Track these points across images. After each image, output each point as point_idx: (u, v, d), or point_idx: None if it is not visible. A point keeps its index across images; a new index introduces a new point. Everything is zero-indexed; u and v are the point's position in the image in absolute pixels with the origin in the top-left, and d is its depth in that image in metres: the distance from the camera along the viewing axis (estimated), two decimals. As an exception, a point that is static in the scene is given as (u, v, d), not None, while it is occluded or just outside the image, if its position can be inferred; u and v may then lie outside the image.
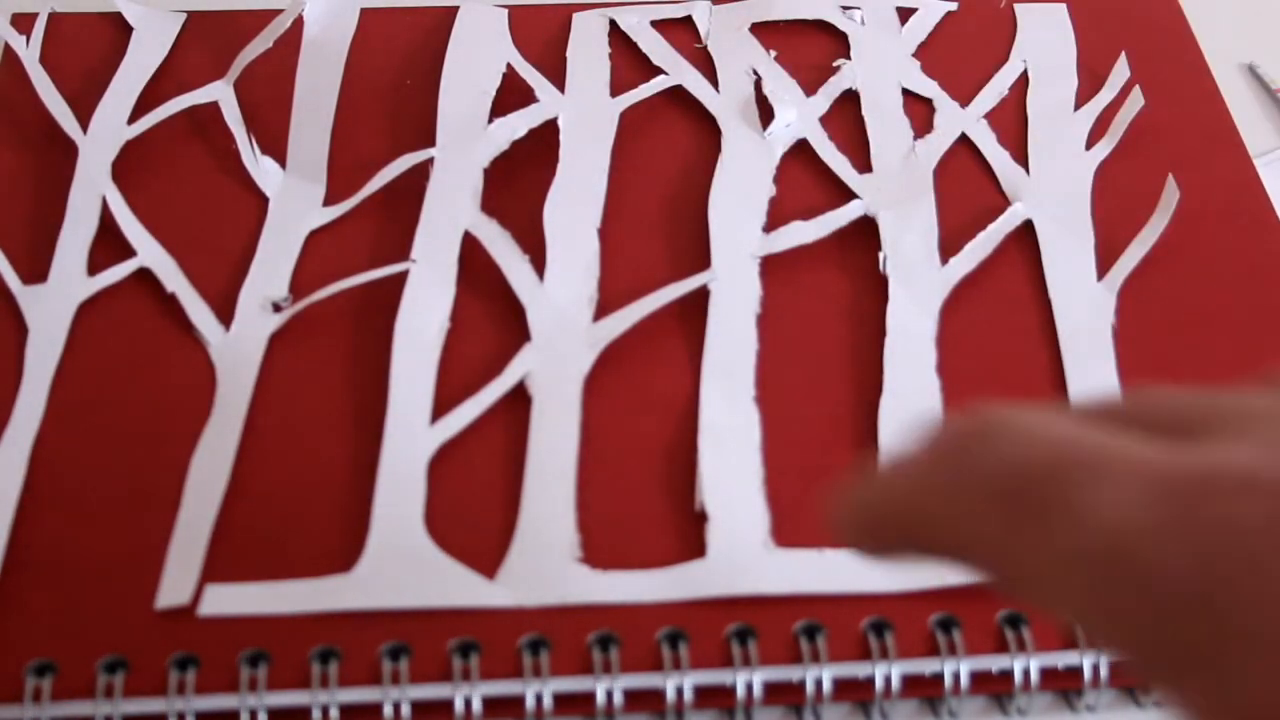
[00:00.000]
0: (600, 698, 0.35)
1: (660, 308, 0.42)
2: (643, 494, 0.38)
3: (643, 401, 0.40)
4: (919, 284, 0.43)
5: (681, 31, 0.51)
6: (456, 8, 0.51)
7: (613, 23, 0.51)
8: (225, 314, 0.42)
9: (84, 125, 0.46)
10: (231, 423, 0.39)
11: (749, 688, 0.35)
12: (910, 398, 0.40)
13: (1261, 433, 0.19)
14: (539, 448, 0.39)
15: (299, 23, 0.48)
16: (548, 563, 0.37)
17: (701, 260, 0.43)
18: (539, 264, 0.43)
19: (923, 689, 0.36)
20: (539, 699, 0.35)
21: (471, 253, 0.43)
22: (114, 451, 0.39)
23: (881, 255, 0.43)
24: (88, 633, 0.35)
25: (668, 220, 0.45)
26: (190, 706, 0.34)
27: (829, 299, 0.43)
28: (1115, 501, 0.18)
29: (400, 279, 0.42)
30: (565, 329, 0.41)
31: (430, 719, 0.35)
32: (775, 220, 0.44)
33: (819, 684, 0.35)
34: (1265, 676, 0.16)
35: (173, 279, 0.42)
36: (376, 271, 0.42)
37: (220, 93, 0.47)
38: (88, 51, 0.50)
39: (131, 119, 0.47)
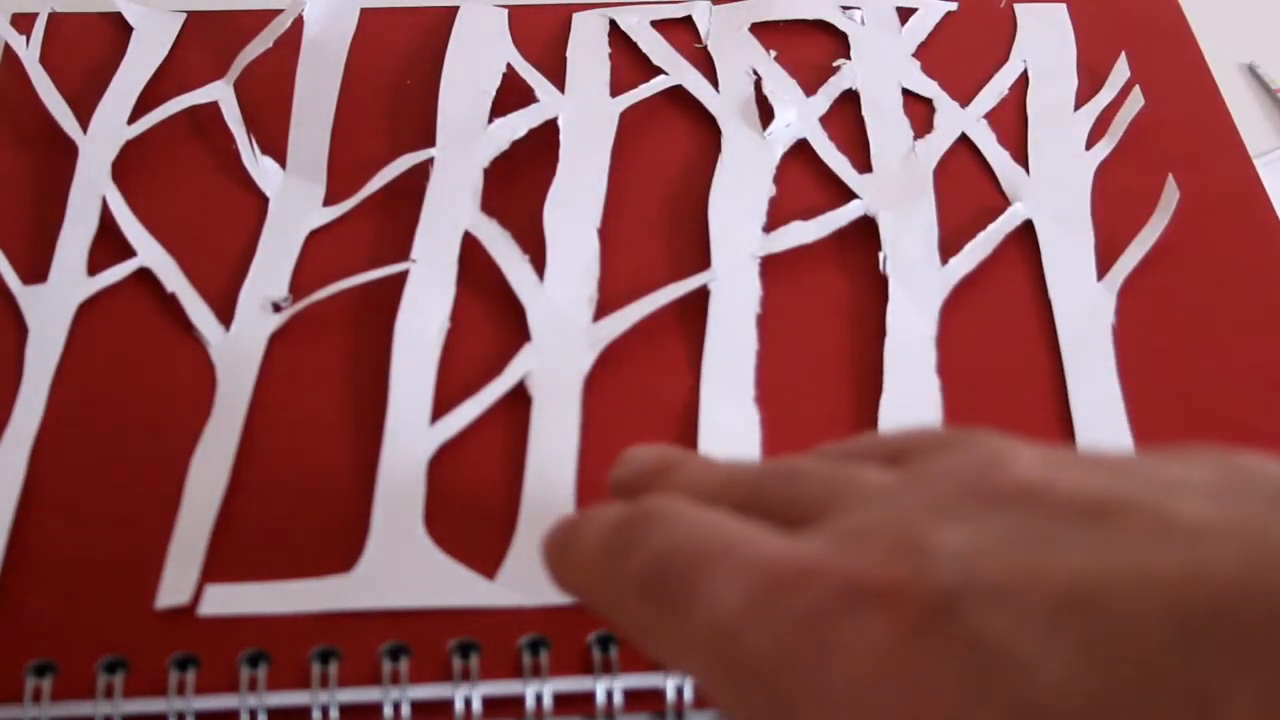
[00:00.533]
0: (600, 697, 0.35)
1: (660, 308, 0.42)
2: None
3: (643, 401, 0.40)
4: (919, 284, 0.43)
5: (681, 31, 0.51)
6: (456, 7, 0.51)
7: (613, 23, 0.51)
8: (225, 314, 0.42)
9: (84, 125, 0.47)
10: (231, 422, 0.39)
11: None
12: (910, 398, 0.40)
13: (843, 520, 0.23)
14: (539, 447, 0.39)
15: (299, 22, 0.48)
16: None
17: (701, 260, 0.43)
18: (539, 264, 0.43)
19: None
20: (539, 699, 0.35)
21: (471, 253, 0.43)
22: (114, 451, 0.39)
23: (881, 255, 0.43)
24: (88, 633, 0.35)
25: (668, 220, 0.45)
26: (190, 706, 0.34)
27: (829, 299, 0.43)
28: (725, 591, 0.22)
29: (400, 279, 0.42)
30: (565, 329, 0.41)
31: (430, 719, 0.35)
32: (775, 220, 0.44)
33: None
34: None
35: (173, 279, 0.42)
36: (376, 271, 0.42)
37: (220, 93, 0.47)
38: (88, 51, 0.50)
39: (131, 119, 0.47)
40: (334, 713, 0.34)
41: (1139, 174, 0.46)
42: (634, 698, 0.35)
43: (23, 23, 0.50)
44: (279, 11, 0.48)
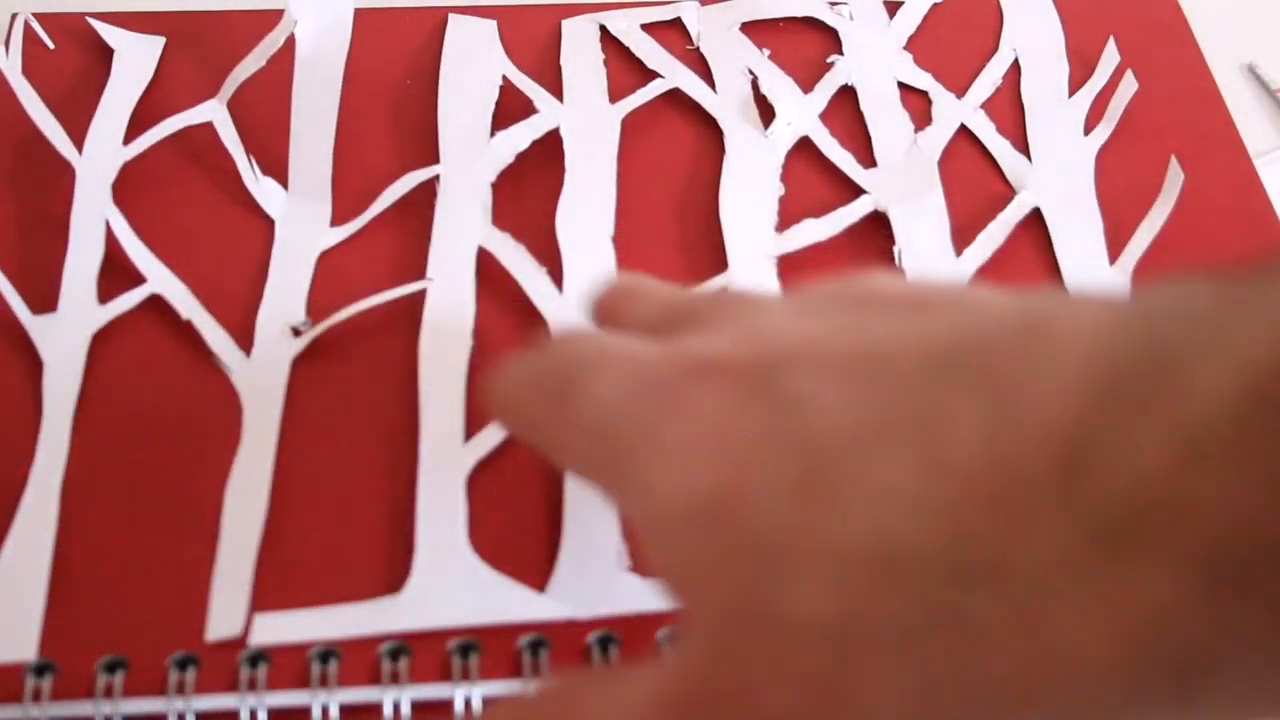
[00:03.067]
0: None
1: (682, 312, 0.42)
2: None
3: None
4: (935, 276, 0.43)
5: (672, 33, 0.51)
6: (445, 18, 0.51)
7: (602, 28, 0.51)
8: (243, 340, 0.41)
9: (76, 145, 0.46)
10: (263, 449, 0.39)
11: None
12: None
13: (721, 325, 0.27)
14: None
15: (289, 37, 0.48)
16: (596, 573, 0.37)
17: (716, 262, 0.44)
18: (556, 275, 0.43)
19: None
20: None
21: (487, 268, 0.43)
22: (144, 483, 0.38)
23: (896, 249, 0.44)
24: (88, 633, 0.35)
25: (679, 223, 0.45)
26: (190, 706, 0.34)
27: (846, 295, 0.43)
28: (605, 380, 0.27)
29: (417, 298, 0.42)
30: (590, 338, 0.41)
31: (430, 719, 0.35)
32: (787, 219, 0.45)
33: None
34: (661, 476, 0.24)
35: (187, 305, 0.42)
36: (394, 291, 0.42)
37: (215, 112, 0.46)
38: (61, 66, 0.49)
39: (126, 139, 0.46)
40: (334, 713, 0.34)
41: (1138, 157, 0.47)
42: None
43: None
44: (256, 13, 0.47)
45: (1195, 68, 0.50)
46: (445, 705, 0.35)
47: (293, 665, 0.35)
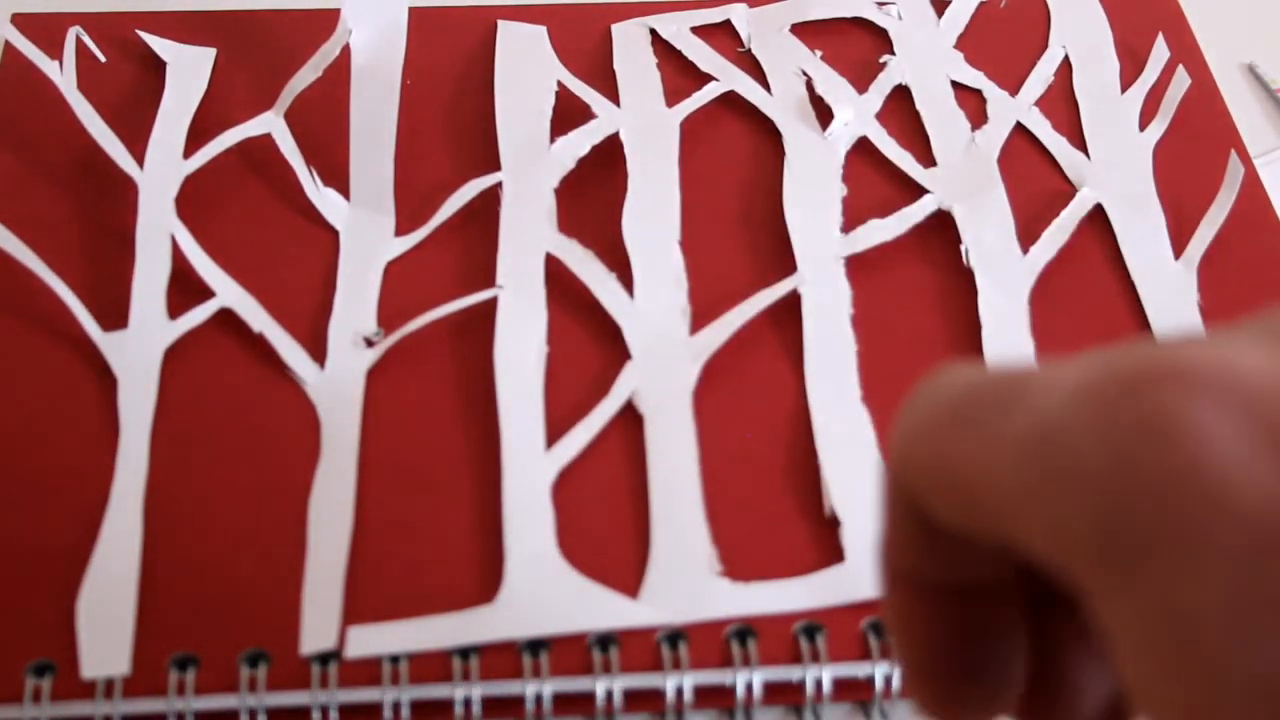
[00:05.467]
0: (600, 697, 0.35)
1: (754, 315, 0.42)
2: (770, 503, 0.39)
3: (752, 409, 0.41)
4: (1004, 274, 0.43)
5: (722, 36, 0.51)
6: (495, 24, 0.51)
7: (652, 31, 0.51)
8: (315, 351, 0.41)
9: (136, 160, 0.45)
10: (344, 462, 0.39)
11: (749, 687, 0.35)
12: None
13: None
14: (659, 464, 0.39)
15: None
16: (689, 578, 0.37)
17: (783, 263, 0.44)
18: (625, 280, 0.43)
19: None
20: (539, 699, 0.35)
21: (556, 275, 0.43)
22: (225, 497, 0.38)
23: (963, 248, 0.44)
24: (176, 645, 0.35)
25: (744, 226, 0.45)
26: (190, 706, 0.34)
27: (917, 294, 0.43)
28: (1053, 387, 0.18)
29: (488, 307, 0.42)
30: (664, 343, 0.41)
31: (430, 719, 0.35)
32: (851, 219, 0.45)
33: (819, 684, 0.35)
34: (1188, 588, 0.15)
35: (257, 318, 0.42)
36: (465, 300, 0.42)
37: (272, 124, 0.46)
38: (113, 78, 0.49)
39: (185, 153, 0.46)
40: (334, 713, 0.35)
41: (1191, 152, 0.47)
42: (634, 698, 0.35)
43: (26, 26, 0.49)
44: (300, 13, 0.47)
45: (1195, 68, 0.50)
46: (445, 705, 0.35)
47: (292, 665, 0.35)
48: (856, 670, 0.36)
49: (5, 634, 0.35)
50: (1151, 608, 0.15)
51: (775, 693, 0.36)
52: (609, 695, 0.35)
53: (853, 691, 0.36)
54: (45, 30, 0.49)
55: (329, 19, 0.45)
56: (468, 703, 0.35)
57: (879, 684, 0.35)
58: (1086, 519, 0.16)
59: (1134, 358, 0.17)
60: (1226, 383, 0.16)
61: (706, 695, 0.36)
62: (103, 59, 0.49)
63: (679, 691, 0.35)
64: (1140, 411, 0.16)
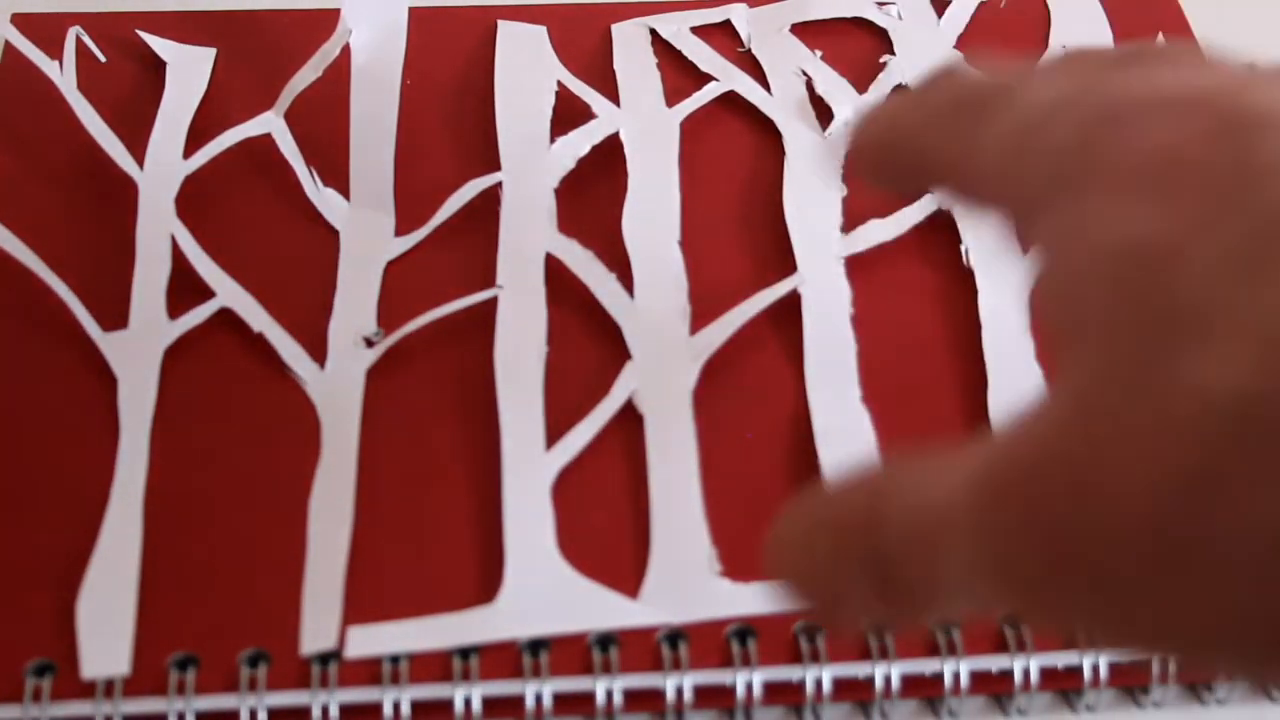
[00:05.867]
0: (600, 698, 0.35)
1: (754, 315, 0.42)
2: (770, 503, 0.38)
3: (752, 409, 0.41)
4: (1004, 275, 0.43)
5: (722, 36, 0.51)
6: (495, 24, 0.51)
7: (652, 31, 0.51)
8: (316, 351, 0.41)
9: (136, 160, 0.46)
10: (344, 461, 0.39)
11: (749, 688, 0.35)
12: (1015, 389, 0.40)
13: (1153, 67, 0.23)
14: (659, 463, 0.39)
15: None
16: (689, 578, 0.37)
17: (784, 264, 0.44)
18: (625, 280, 0.43)
19: (923, 689, 0.36)
20: (539, 699, 0.35)
21: (556, 274, 0.43)
22: (226, 497, 0.38)
23: (963, 248, 0.44)
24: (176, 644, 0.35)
25: (745, 226, 0.45)
26: (190, 706, 0.34)
27: (917, 295, 0.43)
28: (1039, 95, 0.23)
29: (488, 306, 0.42)
30: (664, 343, 0.41)
31: (430, 719, 0.35)
32: (851, 219, 0.45)
33: (819, 684, 0.35)
34: (1096, 208, 0.21)
35: (257, 318, 0.42)
36: (466, 299, 0.42)
37: (272, 124, 0.46)
38: (113, 78, 0.49)
39: (185, 153, 0.46)
40: (334, 713, 0.35)
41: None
42: (634, 698, 0.36)
43: (26, 25, 0.49)
44: (300, 13, 0.47)
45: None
46: (445, 705, 0.35)
47: (292, 665, 0.35)
48: (856, 670, 0.36)
49: (5, 634, 0.35)
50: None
51: (775, 693, 0.36)
52: (609, 695, 0.35)
53: (853, 691, 0.36)
54: (45, 30, 0.49)
55: (329, 19, 0.45)
56: (468, 703, 0.35)
57: (879, 684, 0.35)
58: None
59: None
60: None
61: (706, 695, 0.36)
62: (103, 59, 0.49)
63: (679, 691, 0.35)
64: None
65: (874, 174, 0.28)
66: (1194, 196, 0.20)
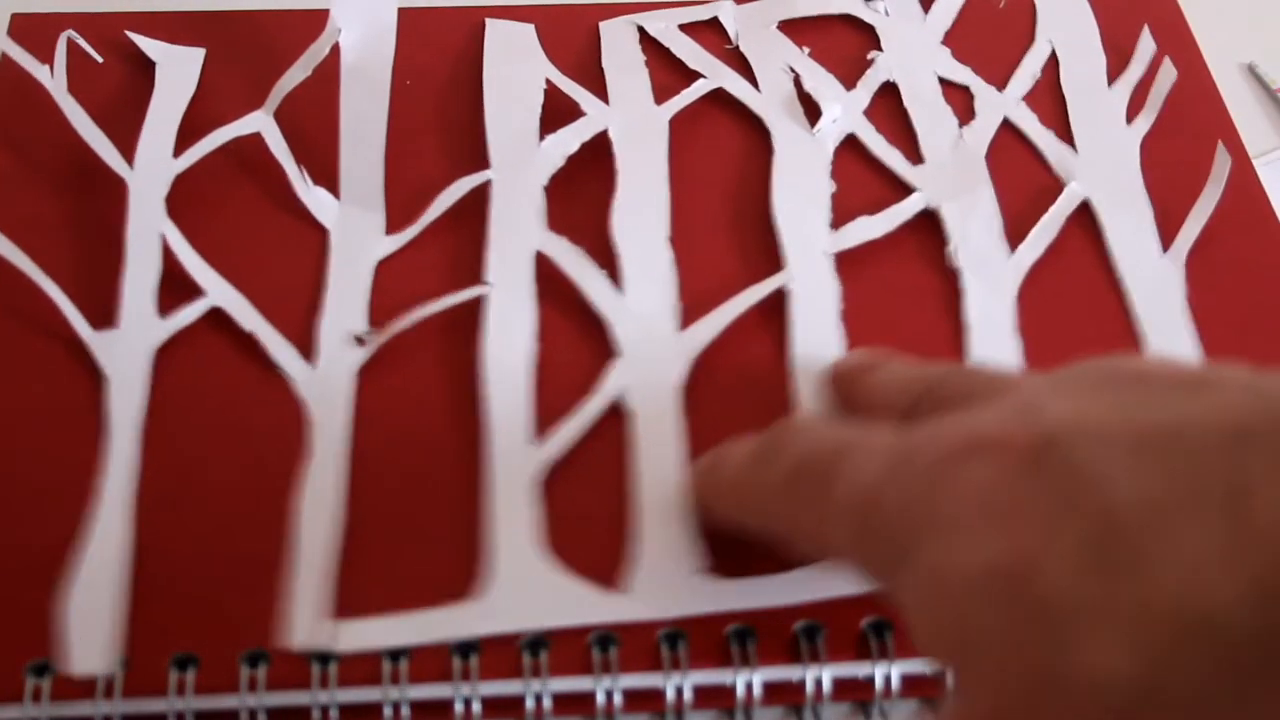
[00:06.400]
0: (600, 698, 0.35)
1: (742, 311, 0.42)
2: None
3: (741, 405, 0.41)
4: (991, 274, 0.43)
5: (709, 33, 0.51)
6: (483, 22, 0.51)
7: (640, 29, 0.51)
8: (305, 350, 0.41)
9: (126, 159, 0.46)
10: (333, 459, 0.39)
11: (749, 688, 0.36)
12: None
13: (985, 401, 0.27)
14: (646, 460, 0.39)
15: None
16: (674, 574, 0.37)
17: (772, 260, 0.44)
18: (614, 277, 0.43)
19: (923, 689, 0.36)
20: (539, 699, 0.35)
21: (545, 272, 0.43)
22: (214, 496, 0.38)
23: (951, 248, 0.44)
24: (163, 641, 0.35)
25: (733, 223, 0.45)
26: (190, 706, 0.34)
27: (904, 293, 0.43)
28: (863, 466, 0.28)
29: (478, 304, 0.42)
30: (653, 340, 0.41)
31: (430, 719, 0.35)
32: (840, 216, 0.45)
33: (819, 684, 0.36)
34: (941, 552, 0.25)
35: (248, 317, 0.42)
36: (454, 297, 0.42)
37: (262, 123, 0.46)
38: (103, 79, 0.49)
39: (175, 152, 0.46)
40: (334, 713, 0.35)
41: (1180, 145, 0.47)
42: (634, 698, 0.36)
43: (23, 26, 0.49)
44: (288, 13, 0.47)
45: (1195, 68, 0.50)
46: (445, 705, 0.35)
47: (292, 665, 0.35)
48: (856, 670, 0.36)
49: (5, 634, 0.35)
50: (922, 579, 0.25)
51: (775, 693, 0.36)
52: (609, 695, 0.35)
53: (853, 691, 0.36)
54: (42, 30, 0.49)
55: (318, 19, 0.45)
56: (468, 703, 0.35)
57: (879, 684, 0.36)
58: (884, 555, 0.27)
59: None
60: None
61: (706, 695, 0.36)
62: (99, 59, 0.49)
63: (679, 691, 0.35)
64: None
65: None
66: (1029, 518, 0.24)
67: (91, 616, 0.35)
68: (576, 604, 0.36)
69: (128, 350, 0.41)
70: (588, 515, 0.38)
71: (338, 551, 0.37)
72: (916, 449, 0.27)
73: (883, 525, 0.26)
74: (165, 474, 0.39)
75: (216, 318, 0.42)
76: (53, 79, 0.47)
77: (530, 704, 0.35)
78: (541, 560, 0.37)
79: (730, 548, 0.37)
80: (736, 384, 0.41)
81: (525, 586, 0.36)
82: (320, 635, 0.36)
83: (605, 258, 0.43)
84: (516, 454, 0.39)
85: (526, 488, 0.38)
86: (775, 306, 0.43)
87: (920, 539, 0.25)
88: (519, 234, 0.44)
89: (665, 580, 0.37)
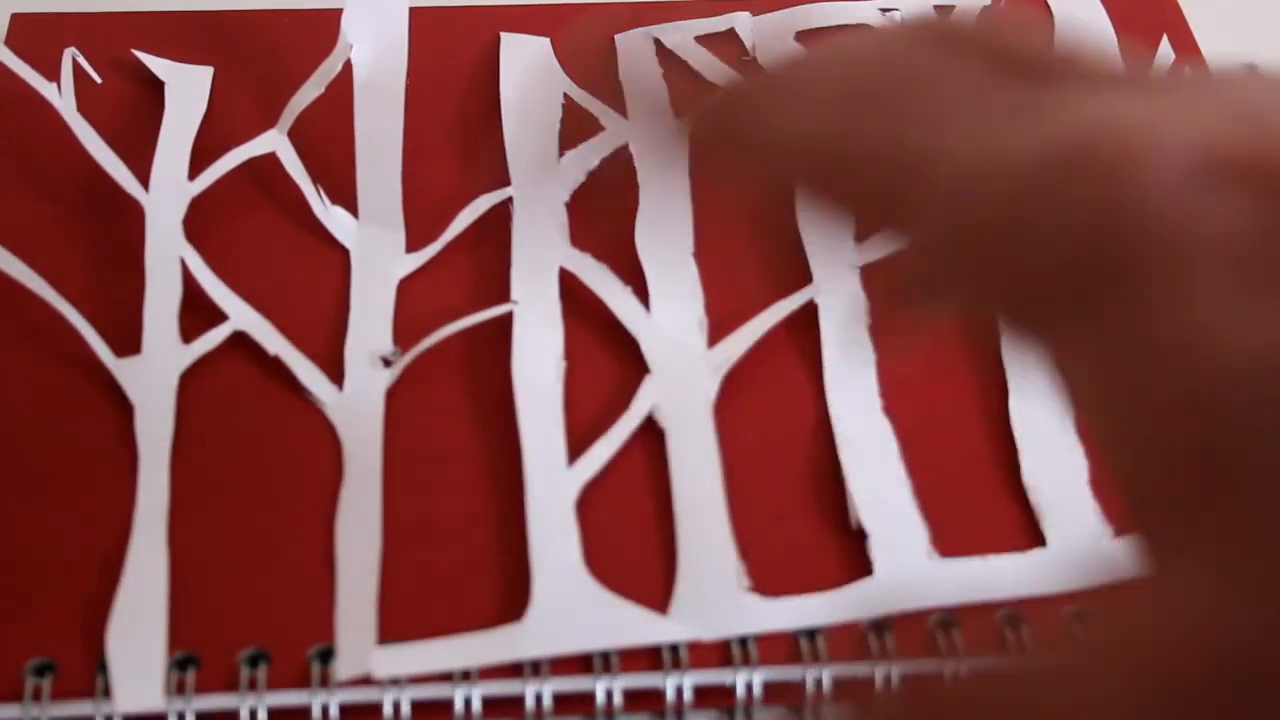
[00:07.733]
0: (600, 698, 0.35)
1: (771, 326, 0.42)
2: (795, 515, 0.39)
3: (773, 421, 0.40)
4: None
5: (726, 45, 0.51)
6: (498, 35, 0.51)
7: (657, 41, 0.51)
8: (332, 372, 0.41)
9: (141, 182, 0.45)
10: (369, 483, 0.39)
11: (749, 688, 0.35)
12: (1037, 393, 0.40)
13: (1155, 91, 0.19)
14: (683, 478, 0.39)
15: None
16: (717, 594, 0.37)
17: (799, 274, 0.43)
18: (641, 294, 0.43)
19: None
20: (539, 699, 0.35)
21: (571, 289, 0.43)
22: (249, 523, 0.38)
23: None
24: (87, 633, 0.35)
25: (759, 236, 0.45)
26: (190, 706, 0.34)
27: (933, 303, 0.43)
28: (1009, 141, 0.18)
29: (504, 322, 0.42)
30: (682, 356, 0.41)
31: (430, 719, 0.35)
32: (866, 227, 0.45)
33: (819, 684, 0.35)
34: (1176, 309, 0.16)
35: (272, 341, 0.41)
36: (480, 315, 0.42)
37: (276, 142, 0.46)
38: (111, 99, 0.48)
39: (190, 174, 0.46)
40: (334, 713, 0.35)
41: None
42: (634, 698, 0.35)
43: (22, 28, 0.48)
44: (294, 13, 0.47)
45: (1195, 67, 0.50)
46: (445, 705, 0.35)
47: (293, 665, 0.35)
48: (856, 670, 0.36)
49: (5, 634, 0.35)
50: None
51: (775, 693, 0.36)
52: (609, 695, 0.35)
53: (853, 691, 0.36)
54: (43, 31, 0.49)
55: (327, 19, 0.45)
56: (468, 703, 0.35)
57: (879, 684, 0.35)
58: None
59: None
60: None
61: (706, 695, 0.36)
62: (99, 80, 0.48)
63: (679, 691, 0.35)
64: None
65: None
66: None
67: (136, 651, 0.35)
68: (623, 625, 0.36)
69: (153, 377, 0.41)
70: (627, 534, 0.38)
71: (378, 577, 0.37)
72: (1119, 117, 0.17)
73: (1057, 217, 0.17)
74: (198, 502, 0.38)
75: (241, 341, 0.42)
76: (61, 98, 0.46)
77: (530, 703, 0.35)
78: (585, 581, 0.37)
79: (774, 564, 0.37)
80: (766, 399, 0.41)
81: (570, 608, 0.36)
82: (368, 663, 0.35)
83: (631, 273, 0.43)
84: (552, 473, 0.39)
85: (565, 507, 0.38)
86: (805, 320, 0.42)
87: (1141, 270, 0.16)
88: (543, 251, 0.44)
89: (710, 599, 0.37)
